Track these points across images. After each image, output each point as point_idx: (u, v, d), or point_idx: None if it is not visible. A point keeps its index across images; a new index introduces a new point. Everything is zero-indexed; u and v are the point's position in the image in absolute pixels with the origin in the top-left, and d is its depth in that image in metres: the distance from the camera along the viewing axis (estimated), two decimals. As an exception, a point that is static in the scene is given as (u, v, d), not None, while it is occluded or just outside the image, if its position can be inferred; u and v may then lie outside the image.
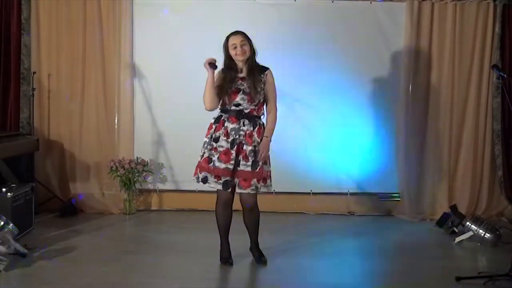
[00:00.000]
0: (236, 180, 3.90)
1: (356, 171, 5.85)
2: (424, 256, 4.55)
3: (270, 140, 3.97)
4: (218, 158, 3.89)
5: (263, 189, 3.96)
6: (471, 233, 4.81)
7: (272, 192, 5.53)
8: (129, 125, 5.76)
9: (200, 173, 3.97)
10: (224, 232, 4.11)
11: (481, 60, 5.75)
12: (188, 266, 4.09)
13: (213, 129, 3.97)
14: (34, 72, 5.58)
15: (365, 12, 5.76)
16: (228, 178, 3.88)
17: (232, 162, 3.87)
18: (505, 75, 4.22)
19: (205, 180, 3.94)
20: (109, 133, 5.78)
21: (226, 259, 4.11)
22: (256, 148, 3.90)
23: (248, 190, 3.89)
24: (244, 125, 3.92)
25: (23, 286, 3.61)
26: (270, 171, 4.03)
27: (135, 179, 5.60)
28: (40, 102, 5.72)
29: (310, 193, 5.86)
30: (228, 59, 4.01)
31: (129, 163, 5.55)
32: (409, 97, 5.74)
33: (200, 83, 5.59)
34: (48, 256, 4.15)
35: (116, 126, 5.77)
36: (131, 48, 5.71)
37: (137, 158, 5.67)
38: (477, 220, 4.85)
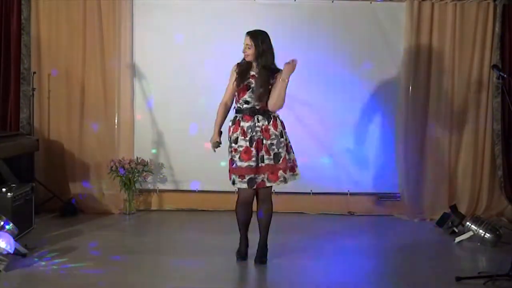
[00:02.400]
0: (262, 176, 3.95)
1: (356, 171, 5.85)
2: (424, 256, 4.56)
3: (286, 83, 3.96)
4: (239, 157, 3.94)
5: (291, 179, 4.04)
6: (471, 233, 4.81)
7: (273, 192, 5.55)
8: (129, 125, 5.76)
9: (231, 177, 4.01)
10: (244, 229, 4.18)
11: (481, 60, 5.75)
12: (188, 266, 4.08)
13: (231, 131, 4.04)
14: (34, 72, 5.58)
15: (365, 12, 5.76)
16: (252, 175, 3.93)
17: (254, 159, 3.93)
18: (505, 75, 4.23)
19: (234, 182, 3.99)
20: (109, 133, 5.78)
21: (242, 254, 4.19)
22: (274, 141, 3.96)
23: (277, 182, 3.97)
24: (259, 121, 3.99)
25: (23, 286, 3.61)
26: (295, 159, 4.11)
27: (135, 179, 5.60)
28: (40, 102, 5.72)
29: (310, 193, 5.86)
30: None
31: (129, 163, 5.56)
32: (409, 97, 5.75)
33: (199, 83, 5.65)
34: (48, 256, 4.15)
35: (116, 126, 5.78)
36: (131, 48, 5.72)
37: (137, 158, 5.67)
38: (477, 220, 4.85)
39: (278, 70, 4.03)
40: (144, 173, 5.65)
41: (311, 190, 5.85)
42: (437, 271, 4.11)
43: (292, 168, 4.06)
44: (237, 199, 4.10)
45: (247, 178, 3.92)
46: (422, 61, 5.74)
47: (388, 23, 5.78)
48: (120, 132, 5.77)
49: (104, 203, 5.71)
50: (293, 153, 4.11)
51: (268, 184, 3.98)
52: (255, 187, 3.96)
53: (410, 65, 5.72)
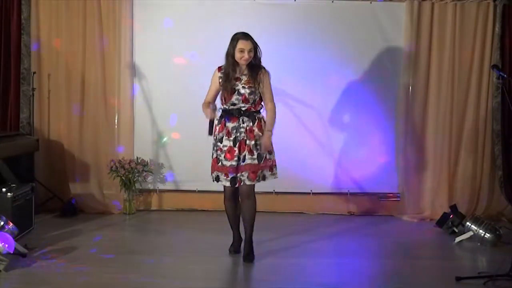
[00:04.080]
0: (243, 174, 4.03)
1: (356, 171, 5.85)
2: (424, 256, 4.56)
3: (272, 134, 4.10)
4: (224, 157, 4.07)
5: (270, 178, 4.15)
6: (471, 233, 4.81)
7: (272, 192, 5.57)
8: (129, 125, 5.76)
9: (213, 173, 4.15)
10: (234, 223, 4.33)
11: (481, 60, 5.74)
12: (188, 266, 4.08)
13: (217, 131, 4.14)
14: (34, 72, 5.59)
15: (365, 12, 5.75)
16: (234, 174, 4.04)
17: (236, 158, 4.04)
18: (505, 75, 4.22)
19: (217, 179, 4.13)
20: (109, 133, 5.78)
21: (234, 248, 4.36)
22: (258, 142, 4.06)
23: (255, 181, 4.06)
24: (243, 122, 4.08)
25: (23, 286, 3.61)
26: (275, 160, 4.19)
27: (135, 179, 5.60)
28: (40, 102, 5.72)
29: (310, 193, 5.86)
30: (231, 57, 4.08)
31: (129, 163, 5.56)
32: (409, 97, 5.75)
33: (200, 83, 5.64)
34: (48, 256, 4.15)
35: (116, 126, 5.78)
36: (131, 48, 5.71)
37: (137, 158, 5.67)
38: (477, 220, 4.86)
39: (261, 67, 4.11)
40: (144, 173, 5.66)
41: (311, 190, 5.85)
42: (437, 271, 4.11)
43: (271, 168, 4.15)
44: (224, 195, 4.26)
45: (230, 177, 4.05)
46: (422, 61, 5.74)
47: (388, 23, 5.77)
48: (120, 132, 5.77)
49: (104, 203, 5.71)
50: (274, 154, 4.19)
51: (248, 183, 4.05)
52: (236, 185, 4.08)
53: (410, 65, 5.72)
